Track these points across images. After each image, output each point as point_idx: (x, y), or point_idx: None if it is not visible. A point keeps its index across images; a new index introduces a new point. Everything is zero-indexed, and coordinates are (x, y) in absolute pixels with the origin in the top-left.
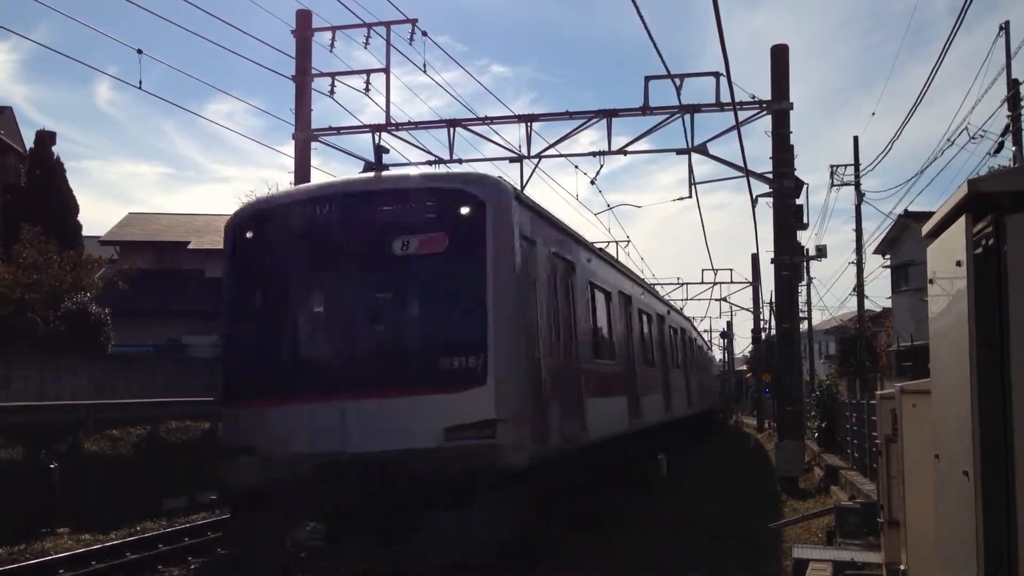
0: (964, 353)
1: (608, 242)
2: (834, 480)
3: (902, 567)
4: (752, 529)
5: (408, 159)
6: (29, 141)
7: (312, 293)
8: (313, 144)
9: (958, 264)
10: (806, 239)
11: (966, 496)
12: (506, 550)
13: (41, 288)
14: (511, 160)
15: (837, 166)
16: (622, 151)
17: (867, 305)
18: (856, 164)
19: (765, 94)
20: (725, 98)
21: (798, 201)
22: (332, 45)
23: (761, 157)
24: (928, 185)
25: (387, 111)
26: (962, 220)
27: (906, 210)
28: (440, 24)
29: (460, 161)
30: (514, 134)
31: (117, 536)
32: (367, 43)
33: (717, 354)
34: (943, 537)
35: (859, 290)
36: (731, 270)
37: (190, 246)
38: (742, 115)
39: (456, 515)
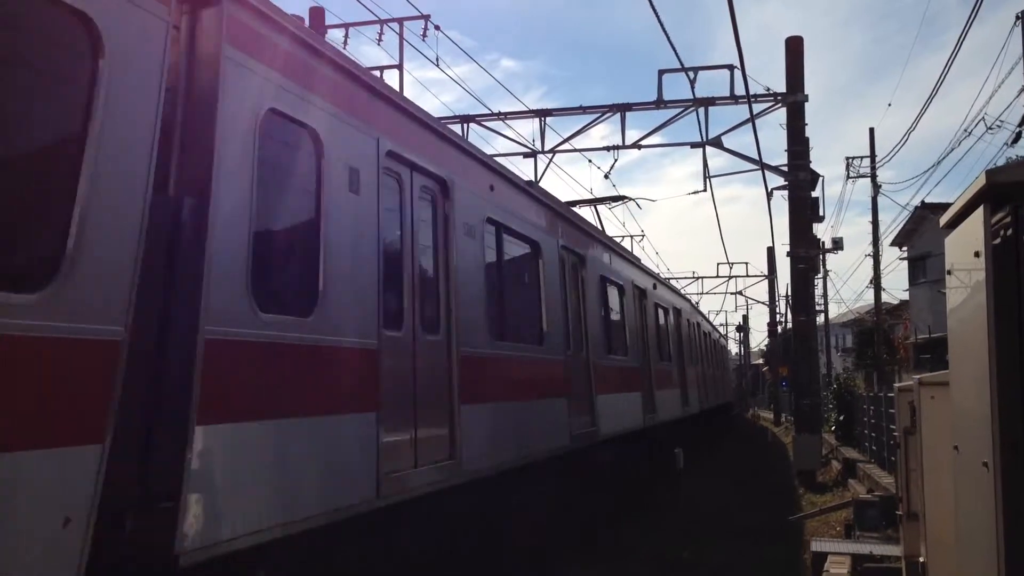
0: (983, 343)
1: (623, 236)
2: (852, 473)
3: (921, 559)
4: (770, 522)
5: None
6: None
7: None
8: None
9: (976, 255)
10: (822, 232)
11: (986, 487)
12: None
13: None
14: (525, 155)
15: (853, 158)
16: (636, 145)
17: (884, 298)
18: (872, 156)
19: (777, 86)
20: (739, 91)
21: (813, 194)
22: (345, 42)
23: (776, 150)
24: (945, 176)
25: None
26: (980, 211)
27: (923, 201)
28: (449, 19)
29: None
30: (526, 128)
31: None
32: (380, 40)
33: (733, 348)
34: (962, 529)
35: (876, 282)
36: (747, 263)
37: None
38: (756, 108)
39: None
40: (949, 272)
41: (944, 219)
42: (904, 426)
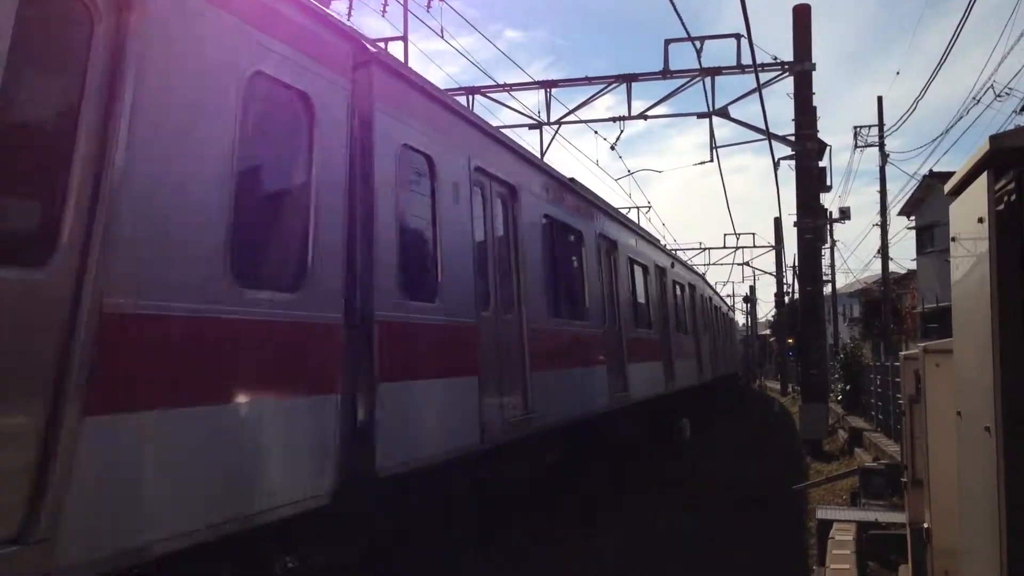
0: (986, 307)
1: (629, 208)
2: (858, 442)
3: (925, 525)
4: (776, 491)
5: None
6: None
7: None
8: None
9: (980, 221)
10: (829, 201)
11: (987, 452)
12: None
13: None
14: (531, 127)
15: (861, 127)
16: (642, 116)
17: (892, 267)
18: (880, 124)
19: (784, 55)
20: (746, 60)
21: (821, 163)
22: (349, 15)
23: (783, 119)
24: (954, 144)
25: None
26: (984, 176)
27: (931, 170)
28: None
29: None
30: (532, 100)
31: None
32: (384, 12)
33: (740, 319)
34: (965, 493)
35: (883, 252)
36: (754, 234)
37: None
38: (763, 77)
39: None
40: (953, 239)
41: (948, 186)
42: (909, 394)
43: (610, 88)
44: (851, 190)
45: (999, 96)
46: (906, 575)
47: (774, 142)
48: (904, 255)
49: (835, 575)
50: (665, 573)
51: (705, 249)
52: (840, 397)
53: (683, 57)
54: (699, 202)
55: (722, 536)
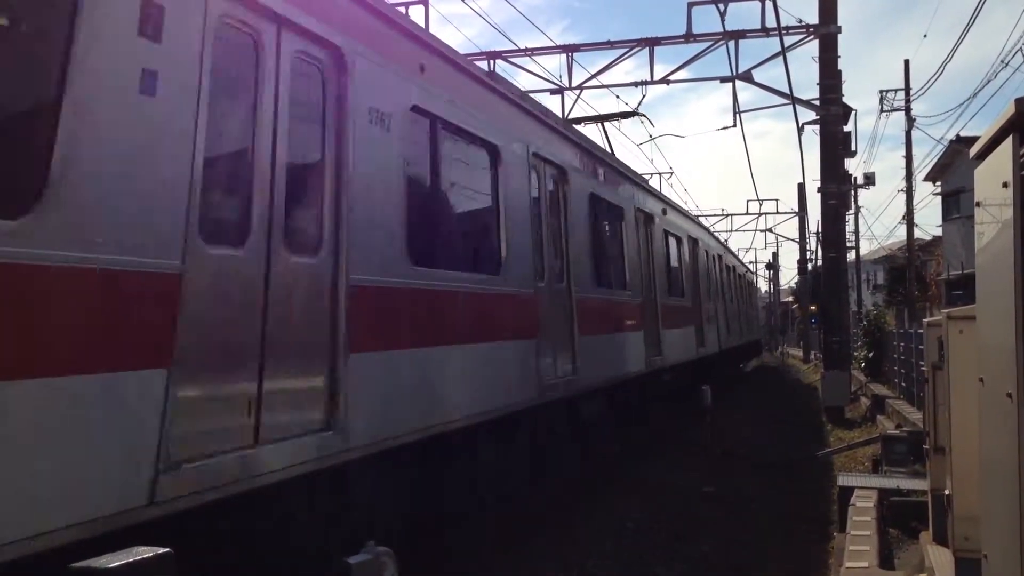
0: (1009, 273)
1: (651, 174)
2: (880, 409)
3: (947, 492)
4: (798, 458)
5: None
6: None
7: None
8: None
9: (1004, 185)
10: (854, 167)
11: (1009, 418)
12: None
13: None
14: (552, 92)
15: (887, 91)
16: (665, 80)
17: (917, 234)
18: (907, 88)
19: (809, 18)
20: (770, 23)
21: (846, 128)
22: None
23: (807, 83)
24: (981, 109)
25: None
26: (1009, 140)
27: (958, 135)
28: None
29: None
30: (551, 64)
31: None
32: None
33: (763, 286)
34: (986, 459)
35: (908, 218)
36: (777, 200)
37: None
38: (788, 40)
39: None
40: (978, 204)
41: (974, 150)
42: (932, 361)
43: (632, 52)
44: (876, 155)
45: None
46: (927, 542)
47: (798, 106)
48: (929, 221)
49: (856, 541)
50: (686, 541)
51: (728, 215)
52: (863, 364)
53: (706, 21)
54: (721, 168)
55: (744, 500)
